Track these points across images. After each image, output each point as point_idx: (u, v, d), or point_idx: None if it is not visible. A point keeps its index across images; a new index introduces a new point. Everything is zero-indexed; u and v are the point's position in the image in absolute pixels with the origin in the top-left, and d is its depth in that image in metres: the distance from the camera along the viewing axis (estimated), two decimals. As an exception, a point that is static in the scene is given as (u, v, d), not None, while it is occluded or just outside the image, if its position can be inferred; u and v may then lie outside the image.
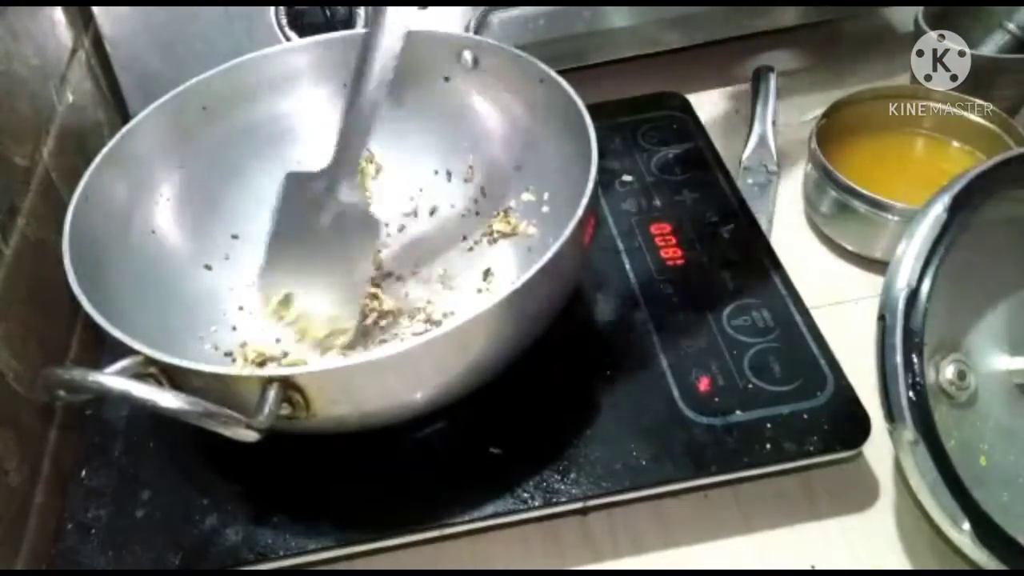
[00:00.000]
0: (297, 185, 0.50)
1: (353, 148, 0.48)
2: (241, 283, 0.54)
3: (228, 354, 0.50)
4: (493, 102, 0.55)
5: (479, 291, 0.52)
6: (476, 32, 0.55)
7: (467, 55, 0.54)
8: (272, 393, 0.36)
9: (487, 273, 0.53)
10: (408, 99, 0.56)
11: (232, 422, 0.35)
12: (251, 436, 0.35)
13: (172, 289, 0.50)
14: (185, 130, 0.53)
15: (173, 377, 0.38)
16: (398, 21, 0.47)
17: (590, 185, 0.42)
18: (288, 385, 0.36)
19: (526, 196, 0.54)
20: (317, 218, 0.50)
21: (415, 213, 0.58)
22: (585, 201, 0.41)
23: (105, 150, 0.48)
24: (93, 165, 0.47)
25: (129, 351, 0.37)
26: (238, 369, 0.36)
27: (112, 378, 0.35)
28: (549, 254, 0.39)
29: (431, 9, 0.62)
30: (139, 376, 0.37)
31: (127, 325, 0.39)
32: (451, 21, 0.60)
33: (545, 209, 0.53)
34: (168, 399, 0.34)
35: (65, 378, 0.35)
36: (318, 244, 0.50)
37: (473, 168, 0.57)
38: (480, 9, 0.58)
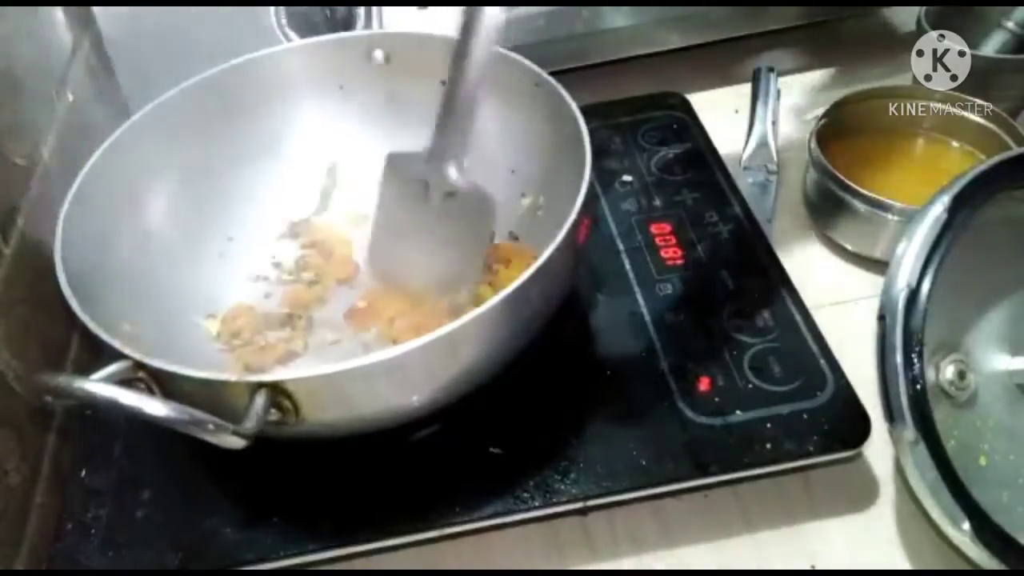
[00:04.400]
0: (401, 166, 0.50)
1: (458, 129, 0.47)
2: (237, 284, 0.54)
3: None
4: (489, 105, 0.55)
5: None
6: None
7: None
8: (260, 399, 0.36)
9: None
10: (404, 102, 0.56)
11: (219, 429, 0.34)
12: (238, 443, 0.35)
13: (169, 290, 0.50)
14: (183, 131, 0.53)
15: (162, 382, 0.37)
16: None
17: (583, 191, 0.42)
18: (277, 391, 0.36)
19: (523, 200, 0.54)
20: (423, 199, 0.48)
21: None
22: (577, 206, 0.41)
23: (100, 151, 0.48)
24: (87, 166, 0.47)
25: (119, 355, 0.37)
26: (227, 375, 0.37)
27: (99, 385, 0.35)
28: (542, 259, 0.39)
29: (429, 9, 0.62)
30: (128, 381, 0.37)
31: (122, 328, 0.39)
32: (449, 23, 0.60)
33: (540, 213, 0.53)
34: (155, 407, 0.34)
35: (51, 385, 0.35)
36: (426, 225, 0.49)
37: (469, 171, 0.57)
38: None
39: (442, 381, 0.40)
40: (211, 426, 0.34)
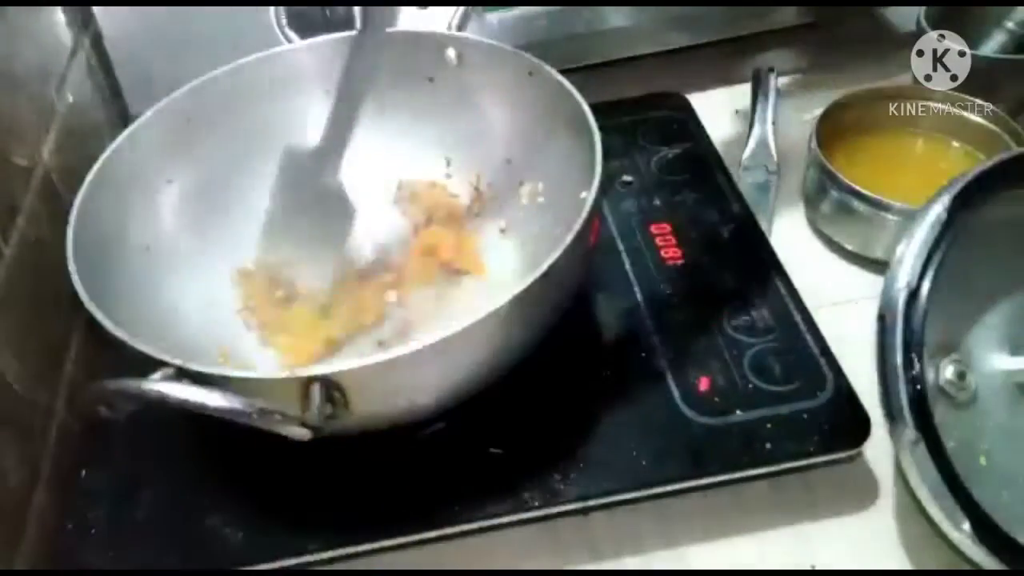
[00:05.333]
0: (291, 157, 0.52)
1: (339, 133, 0.49)
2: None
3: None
4: (481, 98, 0.55)
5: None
6: (459, 29, 0.55)
7: (450, 53, 0.54)
8: (316, 392, 0.36)
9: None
10: (393, 102, 0.56)
11: (286, 420, 0.35)
12: (305, 434, 0.35)
13: (176, 296, 0.50)
14: (184, 134, 0.52)
15: (204, 384, 0.37)
16: (387, 20, 0.48)
17: (595, 184, 0.42)
18: (328, 383, 0.36)
19: (521, 188, 0.54)
20: (305, 193, 0.51)
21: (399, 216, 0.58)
22: (590, 202, 0.41)
23: (101, 160, 0.47)
24: (91, 175, 0.47)
25: (159, 363, 0.37)
26: (277, 372, 0.37)
27: (168, 385, 0.35)
28: (561, 248, 0.39)
29: (416, 8, 0.62)
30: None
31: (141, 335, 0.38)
32: (435, 21, 0.59)
33: (541, 200, 0.53)
34: (230, 401, 0.34)
35: (116, 388, 0.35)
36: (305, 218, 0.51)
37: (465, 166, 0.57)
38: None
39: (482, 367, 0.41)
40: (278, 417, 0.35)
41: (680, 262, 0.53)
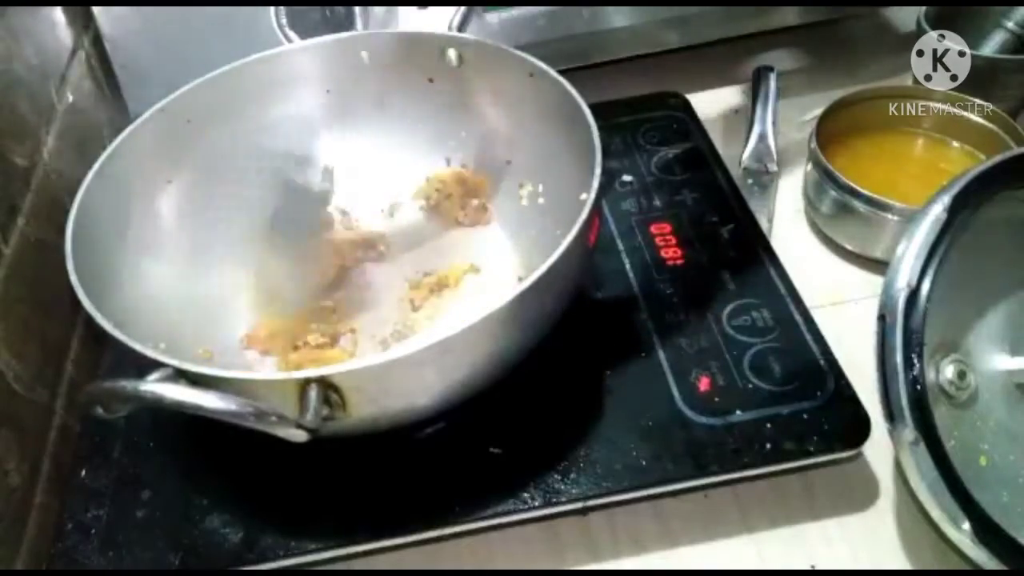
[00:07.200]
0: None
1: None
2: (243, 290, 0.53)
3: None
4: (481, 99, 0.55)
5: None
6: (460, 29, 0.55)
7: (451, 53, 0.53)
8: (313, 393, 0.36)
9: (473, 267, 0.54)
10: (393, 102, 0.56)
11: (283, 422, 0.35)
12: (301, 436, 0.35)
13: (175, 297, 0.50)
14: (184, 134, 0.52)
15: (201, 387, 0.37)
16: None
17: (595, 185, 0.42)
18: (325, 385, 0.36)
19: (521, 190, 0.54)
20: None
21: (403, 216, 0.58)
22: (590, 202, 0.41)
23: (101, 160, 0.47)
24: (91, 174, 0.47)
25: (156, 364, 0.37)
26: (274, 373, 0.36)
27: (164, 386, 0.35)
28: (555, 256, 0.39)
29: (416, 8, 0.62)
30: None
31: (139, 336, 0.38)
32: (435, 21, 0.59)
33: (541, 201, 0.53)
34: (226, 402, 0.34)
35: (111, 389, 0.35)
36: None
37: (464, 167, 0.57)
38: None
39: (476, 369, 0.41)
40: (274, 418, 0.34)
41: (680, 262, 0.53)
